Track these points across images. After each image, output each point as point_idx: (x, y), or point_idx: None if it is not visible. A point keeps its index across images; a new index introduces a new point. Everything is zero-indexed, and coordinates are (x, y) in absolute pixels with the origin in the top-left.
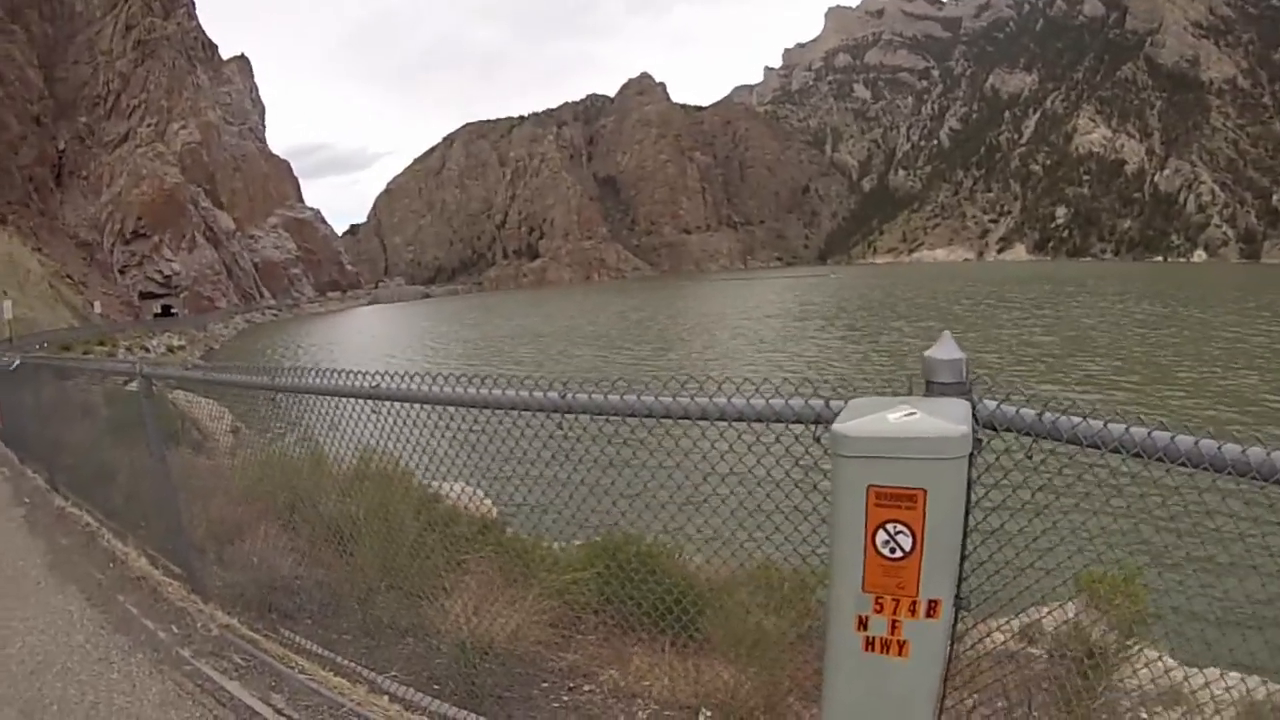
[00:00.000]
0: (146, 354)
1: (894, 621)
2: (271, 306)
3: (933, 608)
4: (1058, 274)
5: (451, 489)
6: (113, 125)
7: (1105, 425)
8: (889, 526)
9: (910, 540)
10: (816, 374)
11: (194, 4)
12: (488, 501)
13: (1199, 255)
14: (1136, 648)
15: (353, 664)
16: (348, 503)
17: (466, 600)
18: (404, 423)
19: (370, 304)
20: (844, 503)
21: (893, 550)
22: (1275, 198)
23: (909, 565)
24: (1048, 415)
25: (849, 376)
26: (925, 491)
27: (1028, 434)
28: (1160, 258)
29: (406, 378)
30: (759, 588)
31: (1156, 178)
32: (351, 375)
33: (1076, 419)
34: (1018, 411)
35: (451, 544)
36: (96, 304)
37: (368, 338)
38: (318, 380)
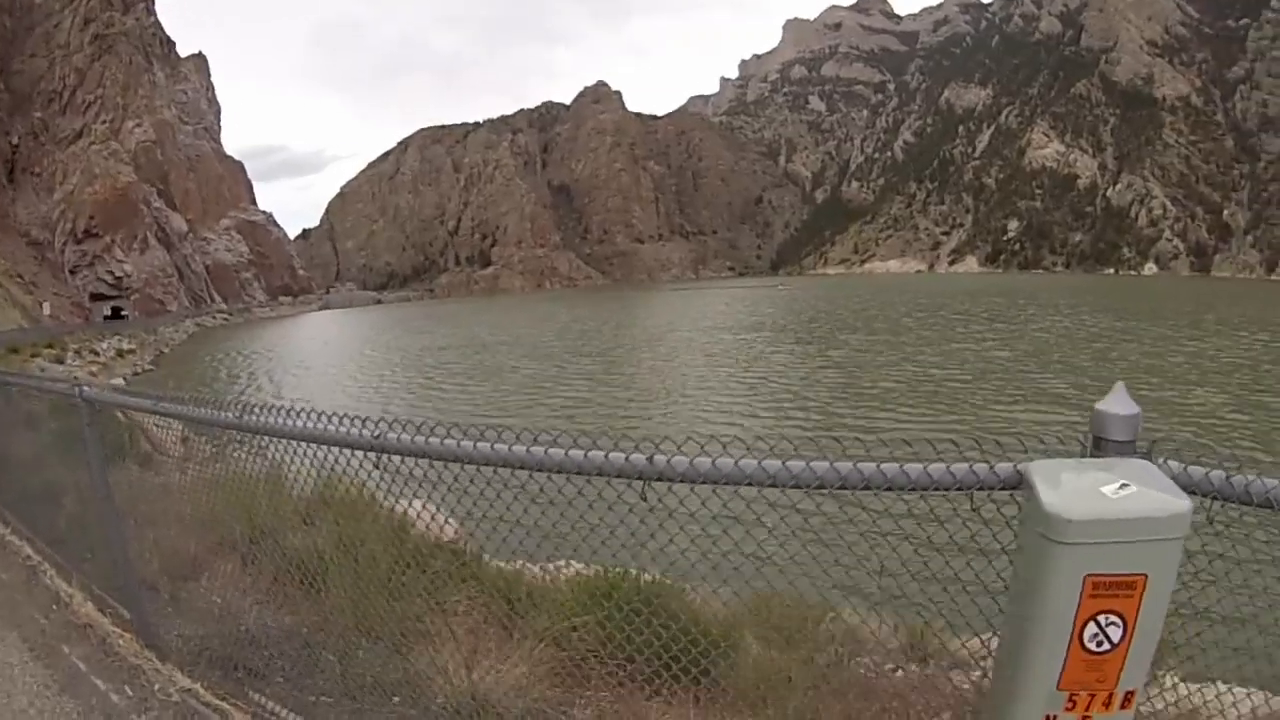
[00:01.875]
0: (96, 357)
1: (1085, 718)
2: (222, 310)
3: (1127, 699)
4: (1009, 286)
5: (410, 507)
6: (67, 121)
7: None
8: (1101, 618)
9: (1121, 631)
10: (768, 388)
11: (152, 0)
12: (445, 520)
13: (1149, 268)
14: None
15: None
16: (312, 534)
17: (456, 650)
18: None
19: (322, 309)
20: (1052, 594)
21: (1100, 644)
22: (1226, 212)
23: (1114, 658)
24: (1238, 478)
25: (800, 392)
26: (1146, 577)
27: (1214, 498)
28: (1111, 270)
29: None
30: (764, 623)
31: (1109, 192)
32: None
33: (1272, 482)
34: (1207, 475)
35: (431, 582)
36: (46, 305)
37: (314, 344)
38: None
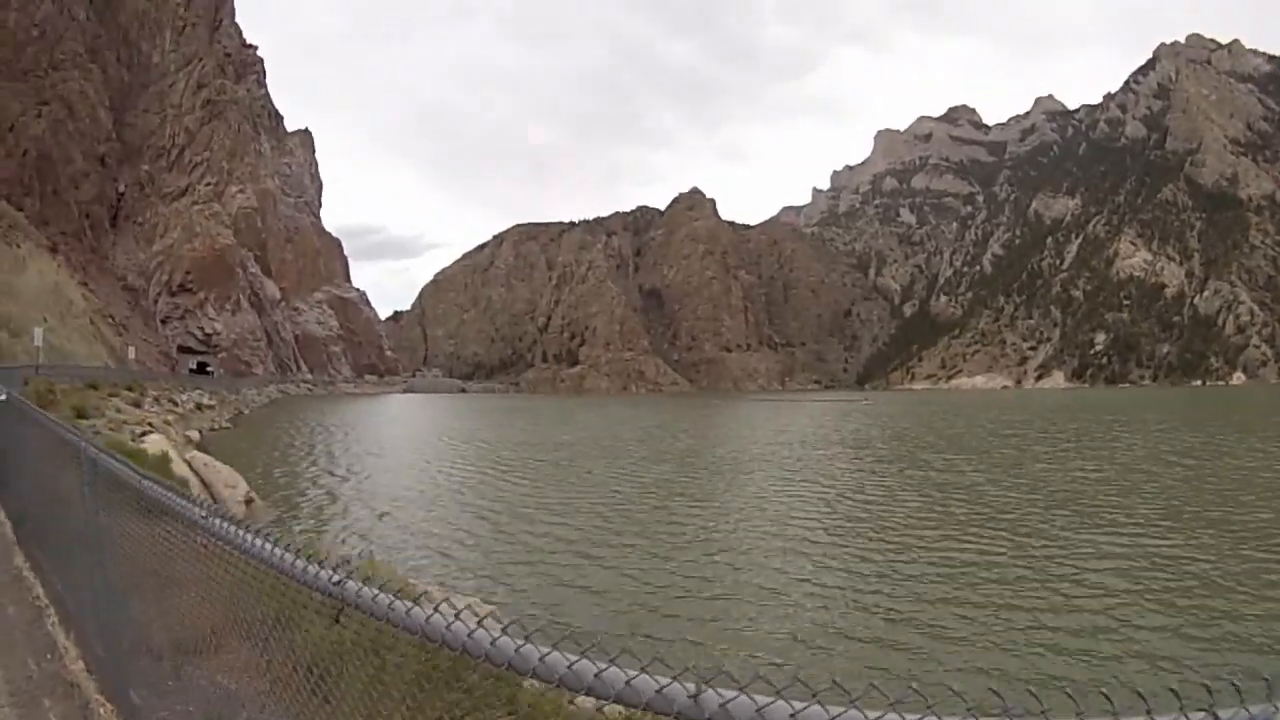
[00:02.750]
0: (174, 407)
1: None
2: (308, 380)
3: None
4: (1096, 401)
5: (455, 606)
6: (173, 178)
7: None
8: None
9: None
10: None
11: (264, 72)
12: (491, 617)
13: (1238, 377)
14: None
15: None
16: (338, 631)
17: None
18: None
19: (405, 391)
20: None
21: None
22: None
23: None
24: None
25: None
26: None
27: None
28: (1199, 381)
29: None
30: None
31: (1196, 299)
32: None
33: None
34: None
35: (457, 704)
36: (132, 349)
37: (392, 426)
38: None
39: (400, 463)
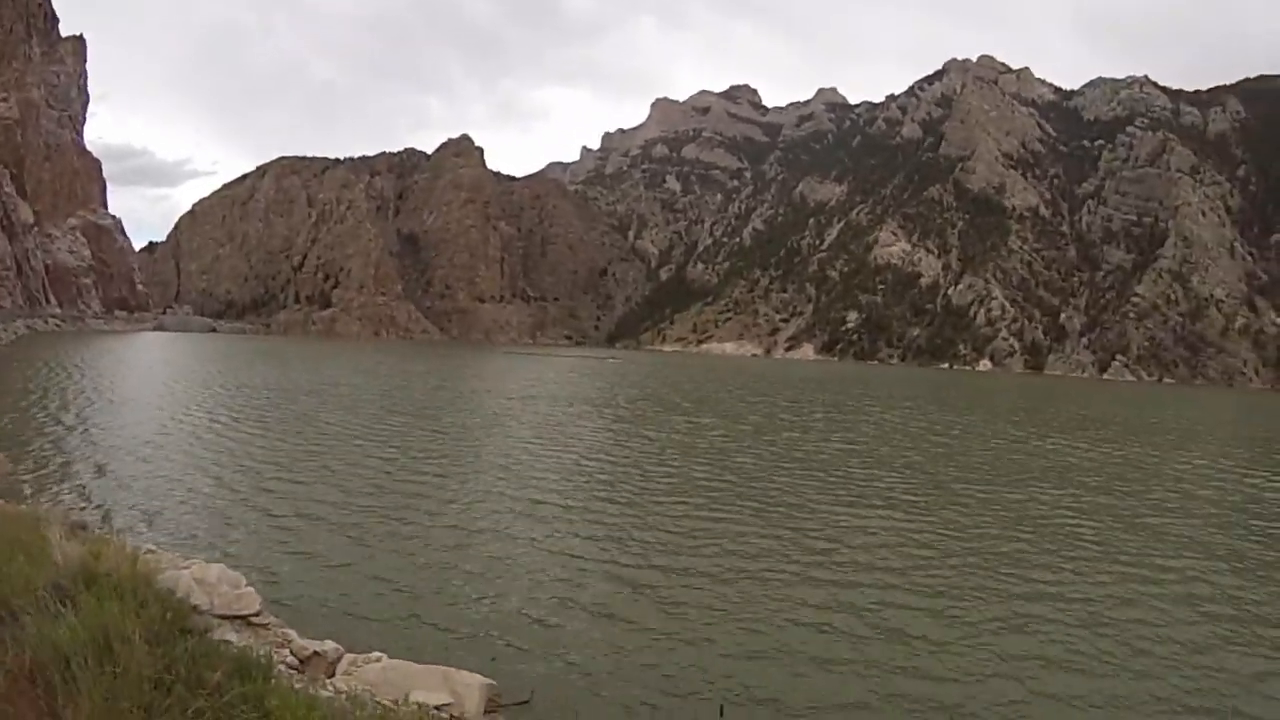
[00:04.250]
0: None
1: None
2: (56, 316)
3: None
4: (845, 374)
5: (204, 573)
6: None
7: None
8: None
9: None
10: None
11: None
12: (250, 590)
13: (984, 364)
14: None
15: None
16: (65, 622)
17: None
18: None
19: (156, 329)
20: None
21: None
22: (1063, 315)
23: None
24: None
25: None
26: None
27: None
28: (946, 364)
29: None
30: None
31: (950, 291)
32: None
33: None
34: None
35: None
36: None
37: (138, 369)
38: None
39: (153, 411)
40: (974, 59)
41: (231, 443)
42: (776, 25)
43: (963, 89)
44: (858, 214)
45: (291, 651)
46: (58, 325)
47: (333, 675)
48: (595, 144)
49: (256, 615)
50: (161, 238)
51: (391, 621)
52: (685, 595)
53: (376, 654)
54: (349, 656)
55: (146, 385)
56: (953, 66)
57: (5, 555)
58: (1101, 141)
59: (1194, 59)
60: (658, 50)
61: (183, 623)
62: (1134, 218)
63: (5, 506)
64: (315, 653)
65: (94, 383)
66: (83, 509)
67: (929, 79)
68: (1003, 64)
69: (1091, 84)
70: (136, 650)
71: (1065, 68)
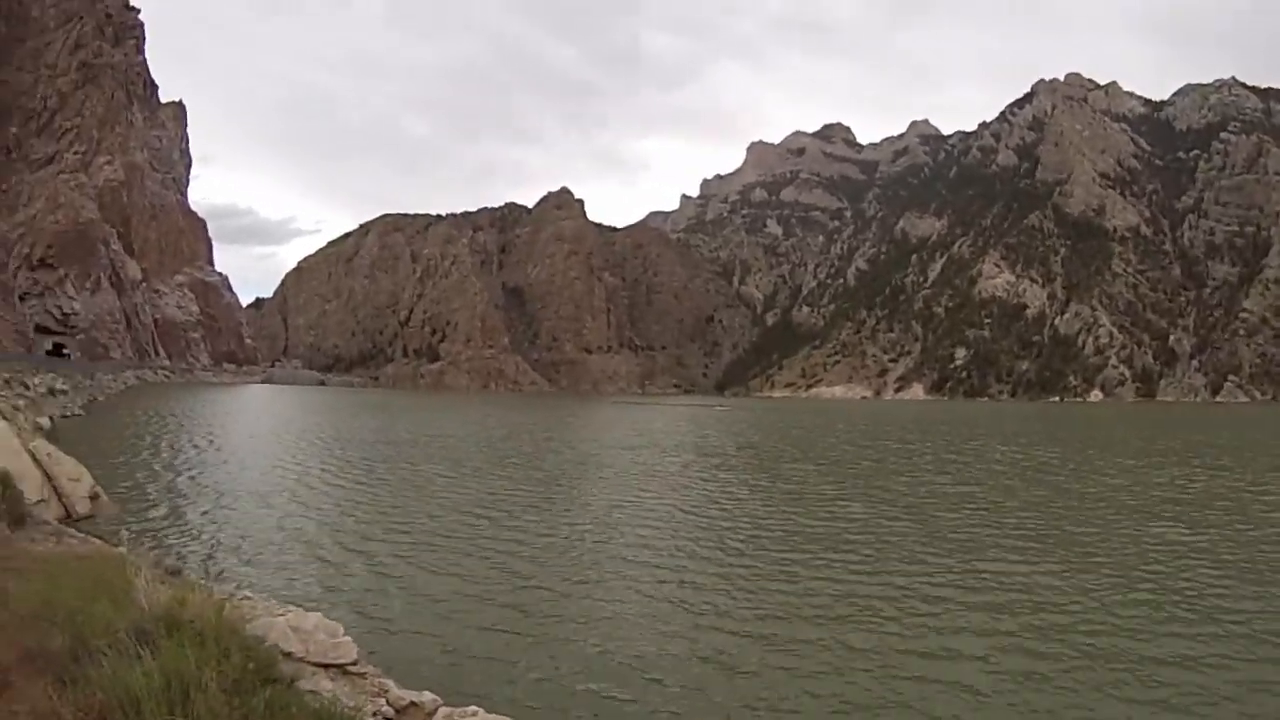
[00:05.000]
0: (25, 391)
1: None
2: (165, 368)
3: None
4: (955, 413)
5: (300, 621)
6: (42, 144)
7: None
8: None
9: None
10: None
11: (144, 38)
12: (348, 639)
13: (1095, 395)
14: None
15: None
16: (142, 666)
17: None
18: None
19: (264, 382)
20: None
21: None
22: (1172, 339)
23: None
24: None
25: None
26: None
27: None
28: (1057, 398)
29: None
30: None
31: (1057, 320)
32: None
33: None
34: None
35: None
36: None
37: (248, 420)
38: None
39: (256, 460)
40: (1061, 78)
41: (336, 491)
42: (859, 58)
43: (1053, 110)
44: (959, 247)
45: (388, 701)
46: (166, 376)
47: None
48: (693, 191)
49: (353, 664)
50: (268, 294)
51: (491, 674)
52: (796, 647)
53: (474, 708)
54: (445, 710)
55: (253, 434)
56: (1041, 88)
57: (89, 596)
58: (1196, 151)
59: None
60: (744, 93)
61: (267, 672)
62: (1236, 228)
63: (99, 548)
64: (412, 703)
65: (200, 431)
66: (178, 554)
67: (1019, 102)
68: (1090, 80)
69: (1180, 92)
70: (212, 699)
71: (1150, 75)
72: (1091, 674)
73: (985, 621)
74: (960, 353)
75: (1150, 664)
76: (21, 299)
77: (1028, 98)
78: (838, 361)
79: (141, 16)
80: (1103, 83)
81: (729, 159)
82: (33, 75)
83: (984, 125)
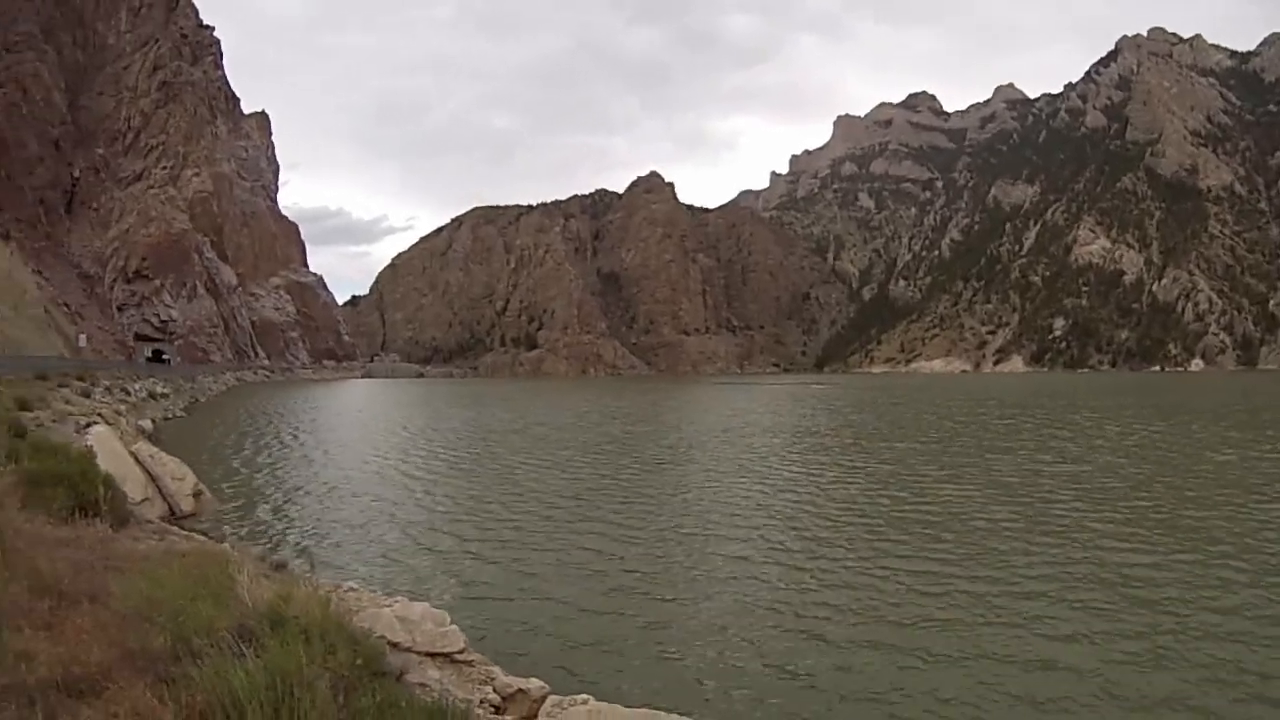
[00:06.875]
0: (126, 396)
1: None
2: (265, 367)
3: None
4: (1055, 386)
5: (407, 611)
6: (129, 162)
7: None
8: None
9: None
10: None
11: (221, 55)
12: (455, 628)
13: (1196, 364)
14: None
15: None
16: (243, 667)
17: None
18: None
19: (364, 377)
20: None
21: None
22: (1272, 303)
23: None
24: None
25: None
26: None
27: None
28: (1157, 367)
29: None
30: None
31: (1154, 287)
32: None
33: None
34: None
35: None
36: (83, 336)
37: (348, 414)
38: None
39: (354, 452)
40: (1144, 33)
41: (432, 482)
42: (937, 23)
43: (1139, 67)
44: (1053, 213)
45: (495, 689)
46: (266, 375)
47: (535, 717)
48: (782, 168)
49: (460, 652)
50: (364, 291)
51: (598, 662)
52: (900, 635)
53: (583, 696)
54: (553, 698)
55: (349, 429)
56: (1125, 44)
57: (191, 594)
58: None
59: None
60: (825, 66)
61: (375, 666)
62: None
63: (202, 545)
64: (519, 690)
65: (299, 427)
66: (281, 549)
67: (1103, 61)
68: (1174, 34)
69: (1266, 42)
70: (318, 697)
71: (1235, 26)
72: (1222, 689)
73: (1094, 622)
74: (1059, 323)
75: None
76: (119, 310)
77: (1112, 55)
78: (936, 335)
79: (218, 34)
80: (1186, 36)
81: (815, 134)
82: (114, 98)
83: (1070, 86)
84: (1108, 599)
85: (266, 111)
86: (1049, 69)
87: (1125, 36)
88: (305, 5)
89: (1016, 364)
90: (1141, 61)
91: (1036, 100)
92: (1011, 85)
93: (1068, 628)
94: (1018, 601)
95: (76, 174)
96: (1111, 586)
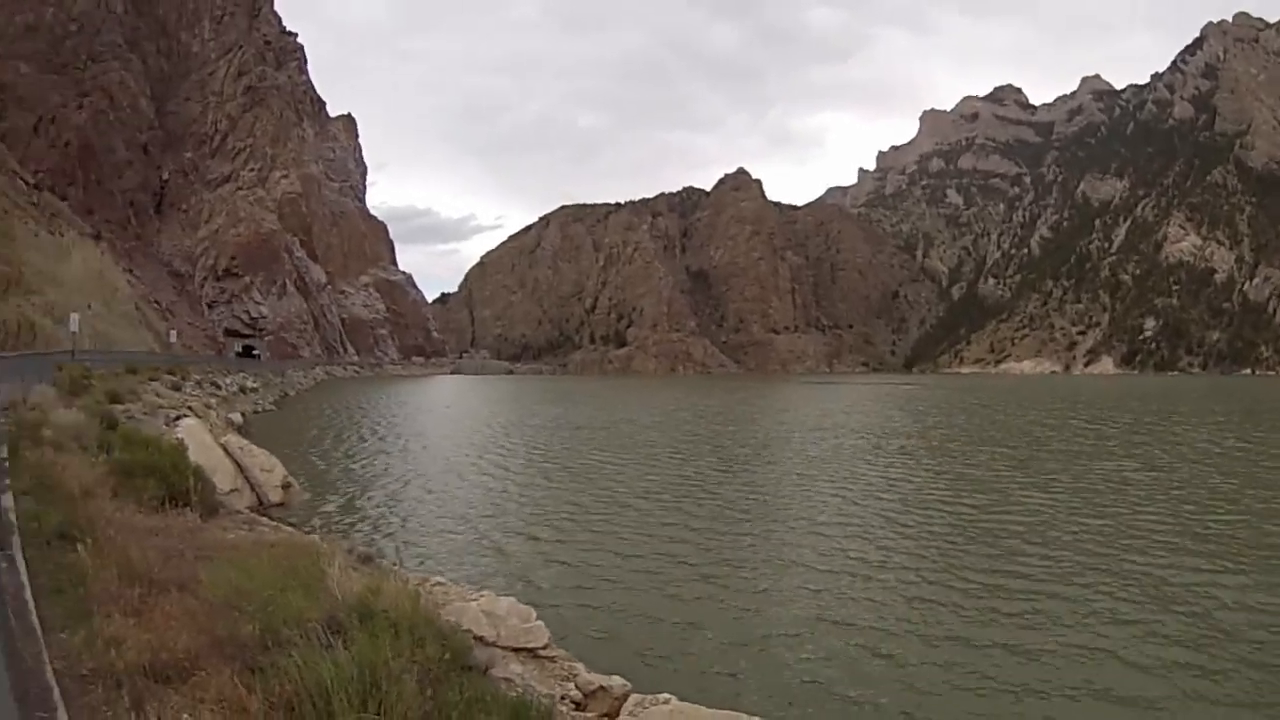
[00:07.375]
0: (216, 390)
1: None
2: (354, 363)
3: None
4: (1146, 389)
5: (493, 606)
6: (217, 165)
7: None
8: None
9: None
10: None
11: (305, 60)
12: (539, 623)
13: None
14: None
15: None
16: (332, 657)
17: None
18: None
19: (453, 373)
20: None
21: None
22: None
23: None
24: None
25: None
26: None
27: None
28: (1249, 370)
29: None
30: None
31: (1246, 286)
32: None
33: None
34: None
35: None
36: (174, 332)
37: (437, 409)
38: None
39: (441, 447)
40: (1229, 19)
41: (523, 478)
42: (1020, 13)
43: (1225, 54)
44: (1143, 209)
45: (576, 685)
46: (356, 371)
47: (617, 715)
48: (869, 164)
49: (544, 648)
50: (453, 289)
51: (681, 662)
52: (974, 657)
53: (665, 695)
54: (635, 696)
55: (436, 424)
56: (1210, 31)
57: (281, 585)
58: None
59: None
60: (909, 60)
61: (462, 660)
62: None
63: (291, 536)
64: (601, 687)
65: (386, 422)
66: (369, 541)
67: (1189, 49)
68: (1260, 19)
69: None
70: (405, 690)
71: None
72: None
73: (1179, 653)
74: (1149, 323)
75: None
76: (209, 307)
77: (1198, 43)
78: (1025, 335)
79: (302, 41)
80: (1272, 21)
81: (901, 130)
82: (200, 104)
83: (1156, 76)
84: (1192, 630)
85: (353, 114)
86: (1135, 58)
87: (1210, 23)
88: (391, 11)
89: (1107, 365)
90: (1228, 48)
91: (1123, 91)
92: (1098, 76)
93: (1147, 658)
94: (1102, 627)
95: (165, 177)
96: (1201, 618)
